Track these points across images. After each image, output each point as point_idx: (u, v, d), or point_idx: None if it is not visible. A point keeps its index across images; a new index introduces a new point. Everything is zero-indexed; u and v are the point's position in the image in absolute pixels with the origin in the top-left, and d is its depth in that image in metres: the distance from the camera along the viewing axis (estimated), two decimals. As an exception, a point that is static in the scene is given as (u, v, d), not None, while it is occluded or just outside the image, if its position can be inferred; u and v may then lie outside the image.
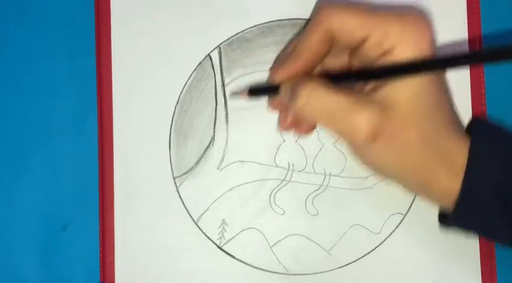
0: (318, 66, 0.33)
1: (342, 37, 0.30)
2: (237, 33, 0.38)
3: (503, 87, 0.38)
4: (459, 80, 0.37)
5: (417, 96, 0.29)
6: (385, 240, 0.37)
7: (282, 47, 0.38)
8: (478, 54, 0.27)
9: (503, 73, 0.38)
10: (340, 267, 0.37)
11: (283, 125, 0.34)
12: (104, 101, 0.38)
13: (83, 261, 0.38)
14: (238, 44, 0.38)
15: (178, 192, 0.37)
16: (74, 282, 0.38)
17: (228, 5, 0.38)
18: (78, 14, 0.39)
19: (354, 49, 0.31)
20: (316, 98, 0.30)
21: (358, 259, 0.37)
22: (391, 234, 0.37)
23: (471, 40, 0.37)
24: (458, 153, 0.30)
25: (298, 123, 0.34)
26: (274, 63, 0.37)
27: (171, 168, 0.38)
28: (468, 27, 0.38)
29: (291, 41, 0.37)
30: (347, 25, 0.30)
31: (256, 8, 0.38)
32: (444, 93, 0.31)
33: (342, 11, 0.30)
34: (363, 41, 0.30)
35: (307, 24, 0.31)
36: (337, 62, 0.33)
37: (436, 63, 0.29)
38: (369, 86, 0.31)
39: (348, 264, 0.37)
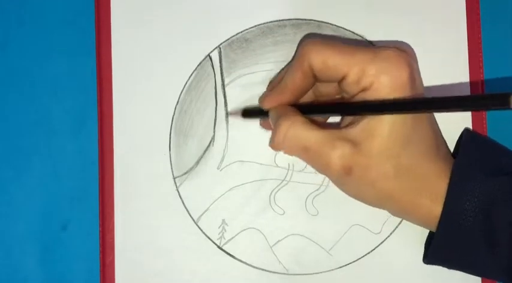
0: (309, 91, 0.34)
1: (322, 73, 0.32)
2: (237, 33, 0.38)
3: (503, 89, 0.38)
4: (459, 80, 0.37)
5: (393, 131, 0.30)
6: (385, 240, 0.37)
7: (282, 47, 0.38)
8: (453, 100, 0.27)
9: (503, 74, 0.38)
10: (340, 267, 0.37)
11: (273, 145, 0.34)
12: (104, 101, 0.38)
13: (83, 261, 0.38)
14: (238, 44, 0.38)
15: (178, 192, 0.37)
16: (74, 282, 0.38)
17: (228, 5, 0.38)
18: (78, 14, 0.39)
19: (338, 82, 0.32)
20: (293, 134, 0.31)
21: (358, 259, 0.37)
22: (391, 234, 0.37)
23: (471, 43, 0.37)
24: (439, 179, 0.31)
25: None
26: (266, 90, 0.38)
27: (171, 168, 0.38)
28: (468, 29, 0.38)
29: (283, 69, 0.37)
30: (327, 63, 0.31)
31: (256, 8, 0.38)
32: (424, 122, 0.31)
33: (322, 48, 0.31)
34: (343, 77, 0.31)
35: (293, 58, 0.33)
36: (329, 86, 0.34)
37: (408, 104, 0.29)
38: (347, 119, 0.32)
39: (348, 264, 0.37)
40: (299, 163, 0.37)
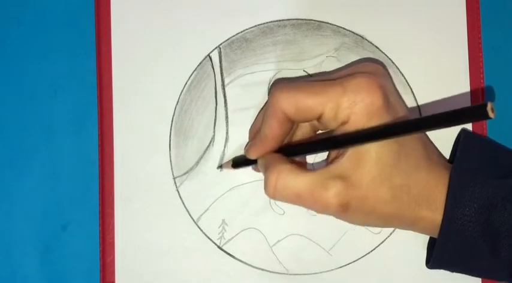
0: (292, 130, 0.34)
1: (297, 117, 0.31)
2: (237, 33, 0.38)
3: (503, 88, 0.38)
4: (459, 81, 0.37)
5: (380, 156, 0.30)
6: (385, 240, 0.37)
7: (281, 46, 0.38)
8: (433, 119, 0.26)
9: (503, 74, 0.38)
10: (340, 267, 0.37)
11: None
12: (104, 101, 0.38)
13: (83, 261, 0.38)
14: (238, 44, 0.38)
15: (178, 192, 0.37)
16: (74, 282, 0.38)
17: (228, 5, 0.38)
18: (78, 14, 0.39)
19: (317, 120, 0.32)
20: (282, 185, 0.31)
21: (358, 259, 0.37)
22: (391, 234, 0.37)
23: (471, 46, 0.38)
24: (436, 188, 0.31)
25: None
26: (248, 139, 0.38)
27: (171, 168, 0.38)
28: (468, 29, 0.38)
29: (259, 112, 0.37)
30: (299, 107, 0.31)
31: (256, 8, 0.38)
32: (411, 138, 0.31)
33: (291, 94, 0.31)
34: (320, 116, 0.31)
35: (266, 107, 0.33)
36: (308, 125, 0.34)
37: (390, 130, 0.29)
38: (333, 152, 0.32)
39: (348, 264, 0.37)
40: (299, 163, 0.37)
